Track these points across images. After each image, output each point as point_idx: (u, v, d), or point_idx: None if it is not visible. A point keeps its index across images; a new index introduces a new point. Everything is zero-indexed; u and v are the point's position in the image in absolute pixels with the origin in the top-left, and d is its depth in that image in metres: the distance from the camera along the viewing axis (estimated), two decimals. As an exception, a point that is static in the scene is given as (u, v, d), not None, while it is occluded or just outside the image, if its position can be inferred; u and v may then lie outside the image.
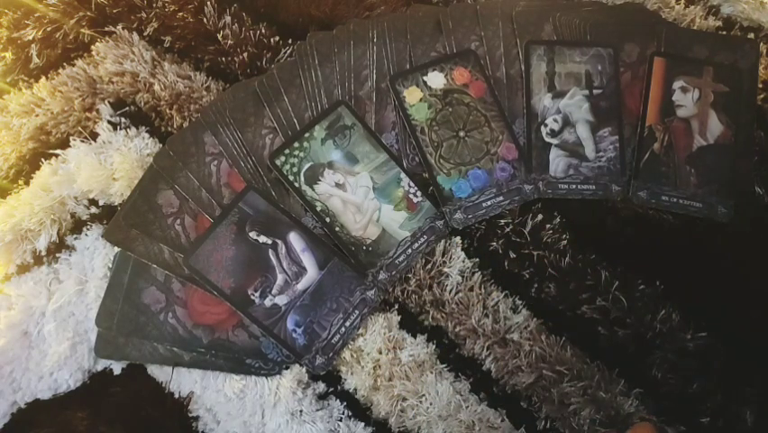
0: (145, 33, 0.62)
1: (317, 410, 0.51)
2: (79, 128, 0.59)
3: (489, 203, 0.56)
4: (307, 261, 0.53)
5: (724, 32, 0.64)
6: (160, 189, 0.55)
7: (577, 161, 0.58)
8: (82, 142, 0.58)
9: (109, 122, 0.59)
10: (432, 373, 0.51)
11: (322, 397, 0.51)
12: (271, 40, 0.62)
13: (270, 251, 0.53)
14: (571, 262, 0.54)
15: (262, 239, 0.53)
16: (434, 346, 0.52)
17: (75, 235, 0.55)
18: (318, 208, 0.55)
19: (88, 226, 0.56)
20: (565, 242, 0.55)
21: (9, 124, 0.59)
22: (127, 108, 0.60)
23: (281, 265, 0.53)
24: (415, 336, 0.53)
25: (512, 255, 0.55)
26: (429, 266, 0.55)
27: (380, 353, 0.52)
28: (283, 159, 0.56)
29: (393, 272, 0.54)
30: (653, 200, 0.57)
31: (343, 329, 0.52)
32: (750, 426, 0.50)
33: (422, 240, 0.55)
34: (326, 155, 0.57)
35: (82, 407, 0.51)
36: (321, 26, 0.63)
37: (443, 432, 0.50)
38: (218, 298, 0.52)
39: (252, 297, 0.52)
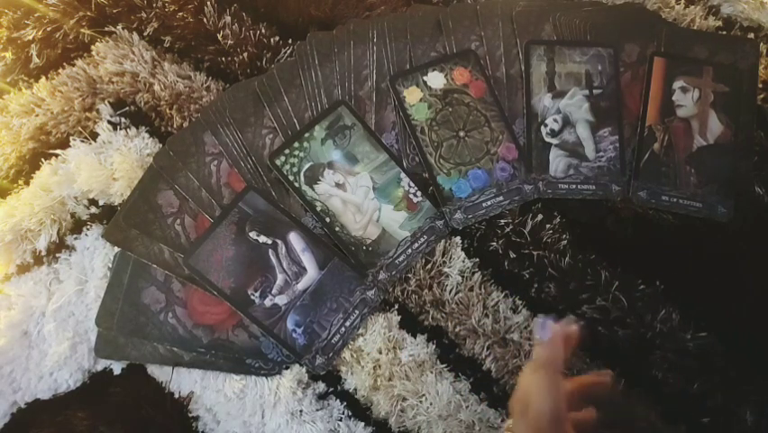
0: (145, 33, 0.62)
1: (317, 410, 0.51)
2: (79, 128, 0.59)
3: (489, 203, 0.56)
4: (307, 261, 0.53)
5: (724, 32, 0.64)
6: (160, 189, 0.55)
7: (577, 161, 0.58)
8: (82, 142, 0.58)
9: (109, 122, 0.59)
10: (432, 372, 0.51)
11: (322, 397, 0.51)
12: (271, 40, 0.62)
13: (270, 251, 0.53)
14: (571, 262, 0.54)
15: (262, 239, 0.53)
16: (434, 346, 0.52)
17: (75, 235, 0.55)
18: (318, 208, 0.55)
19: (88, 226, 0.56)
20: (565, 242, 0.55)
21: (9, 124, 0.59)
22: (127, 108, 0.60)
23: (281, 265, 0.53)
24: (415, 336, 0.53)
25: (512, 255, 0.55)
26: (429, 266, 0.55)
27: (380, 353, 0.52)
28: (283, 159, 0.56)
29: (393, 272, 0.54)
30: (653, 200, 0.57)
31: (343, 329, 0.52)
32: (750, 426, 0.50)
33: (422, 240, 0.55)
34: (326, 155, 0.57)
35: (82, 407, 0.51)
36: (321, 26, 0.63)
37: (443, 432, 0.50)
38: (218, 298, 0.52)
39: (252, 297, 0.52)
